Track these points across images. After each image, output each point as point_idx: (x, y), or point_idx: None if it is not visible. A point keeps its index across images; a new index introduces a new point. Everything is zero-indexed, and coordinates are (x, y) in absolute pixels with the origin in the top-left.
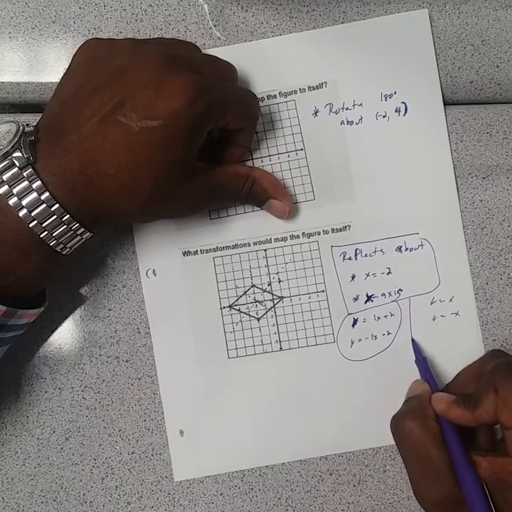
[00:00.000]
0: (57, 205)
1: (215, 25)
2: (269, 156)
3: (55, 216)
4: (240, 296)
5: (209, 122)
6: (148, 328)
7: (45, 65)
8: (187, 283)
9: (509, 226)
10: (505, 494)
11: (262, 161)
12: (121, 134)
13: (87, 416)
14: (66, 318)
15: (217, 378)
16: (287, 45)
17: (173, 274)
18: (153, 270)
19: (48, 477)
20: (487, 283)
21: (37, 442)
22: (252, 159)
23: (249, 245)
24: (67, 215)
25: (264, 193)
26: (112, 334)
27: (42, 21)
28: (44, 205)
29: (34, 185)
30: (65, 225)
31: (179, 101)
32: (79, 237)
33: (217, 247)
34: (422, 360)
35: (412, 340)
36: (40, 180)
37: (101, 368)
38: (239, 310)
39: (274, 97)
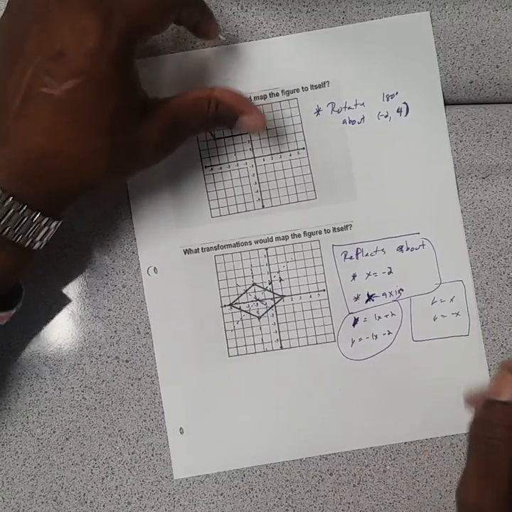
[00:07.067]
0: (10, 199)
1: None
2: (271, 154)
3: (11, 210)
4: (241, 295)
5: (134, 42)
6: (149, 328)
7: None
8: (188, 281)
9: (509, 226)
10: None
11: (263, 160)
12: (50, 105)
13: (87, 416)
14: (66, 318)
15: (218, 376)
16: (290, 44)
17: (173, 272)
18: (154, 268)
19: (48, 477)
20: (487, 283)
21: (37, 442)
22: (254, 157)
23: (251, 244)
24: (25, 207)
25: (232, 111)
26: (112, 334)
27: None
28: None
29: None
30: (25, 217)
31: (90, 42)
32: (46, 228)
33: (218, 246)
34: None
35: None
36: None
37: (101, 368)
38: (239, 308)
39: (277, 94)
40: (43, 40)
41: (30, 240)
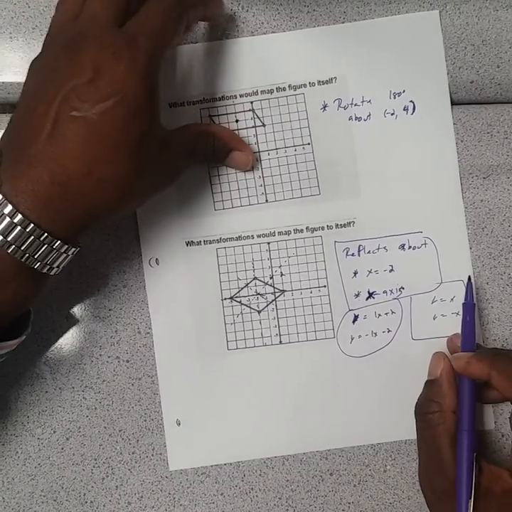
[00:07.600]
0: (32, 226)
1: (216, 26)
2: (276, 149)
3: (32, 237)
4: (242, 288)
5: (159, 60)
6: (149, 328)
7: None
8: (189, 273)
9: (509, 226)
10: (487, 503)
11: (268, 154)
12: (80, 128)
13: (87, 416)
14: (66, 318)
15: (216, 369)
16: (298, 40)
17: (175, 264)
18: (156, 259)
19: (49, 477)
20: (487, 283)
21: (37, 442)
22: (259, 151)
23: (253, 238)
24: (45, 234)
25: (226, 146)
26: (113, 334)
27: (43, 22)
28: (19, 228)
29: (5, 211)
30: (45, 244)
31: (121, 66)
32: (64, 255)
33: (220, 239)
34: (471, 307)
35: (469, 278)
36: (10, 203)
37: (101, 367)
38: (240, 302)
39: (284, 89)
40: (73, 69)
41: (48, 267)
